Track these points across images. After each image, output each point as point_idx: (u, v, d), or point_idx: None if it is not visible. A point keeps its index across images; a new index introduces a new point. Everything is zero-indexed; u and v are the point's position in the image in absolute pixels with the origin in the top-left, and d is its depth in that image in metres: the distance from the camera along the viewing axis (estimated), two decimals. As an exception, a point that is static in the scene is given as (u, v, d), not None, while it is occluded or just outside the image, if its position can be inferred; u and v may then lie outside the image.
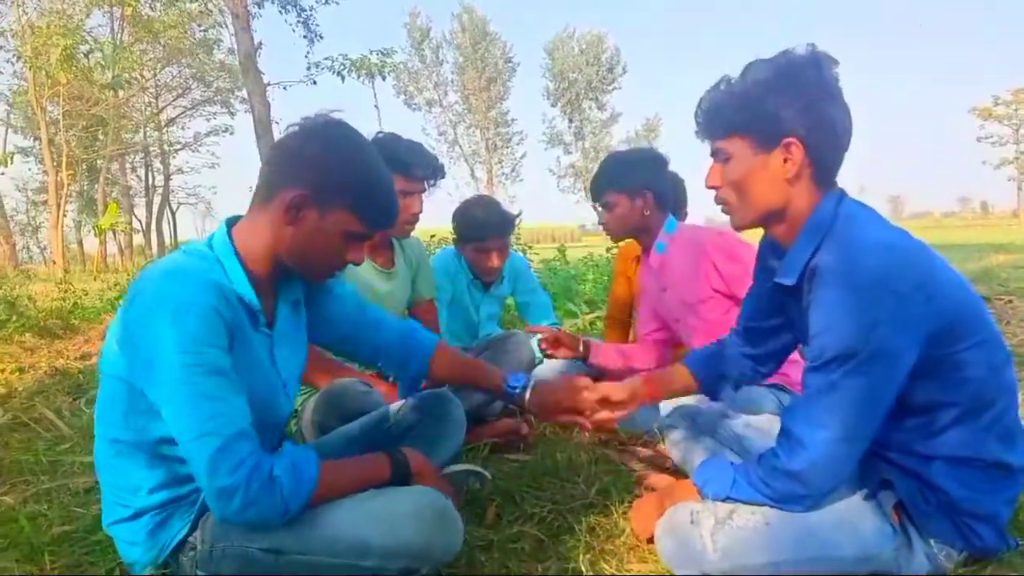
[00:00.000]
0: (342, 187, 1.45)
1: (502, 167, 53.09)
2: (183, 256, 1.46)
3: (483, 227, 2.90)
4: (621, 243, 3.48)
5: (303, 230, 1.46)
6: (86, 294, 8.27)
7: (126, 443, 1.47)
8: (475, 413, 2.63)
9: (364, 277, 2.52)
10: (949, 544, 1.52)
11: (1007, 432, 1.48)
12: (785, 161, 1.46)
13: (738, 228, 1.62)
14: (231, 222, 1.55)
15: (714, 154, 1.58)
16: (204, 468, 1.31)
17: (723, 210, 1.62)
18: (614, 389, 1.85)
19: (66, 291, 8.05)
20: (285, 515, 1.38)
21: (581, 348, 2.74)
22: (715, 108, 1.53)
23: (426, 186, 2.47)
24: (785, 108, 1.43)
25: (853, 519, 1.52)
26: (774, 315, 1.79)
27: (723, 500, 1.57)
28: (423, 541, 1.44)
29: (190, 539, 1.51)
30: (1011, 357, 1.51)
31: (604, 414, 1.83)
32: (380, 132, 2.51)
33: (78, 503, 2.23)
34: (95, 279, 11.25)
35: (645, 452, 2.46)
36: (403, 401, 2.03)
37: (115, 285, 8.74)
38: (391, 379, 2.52)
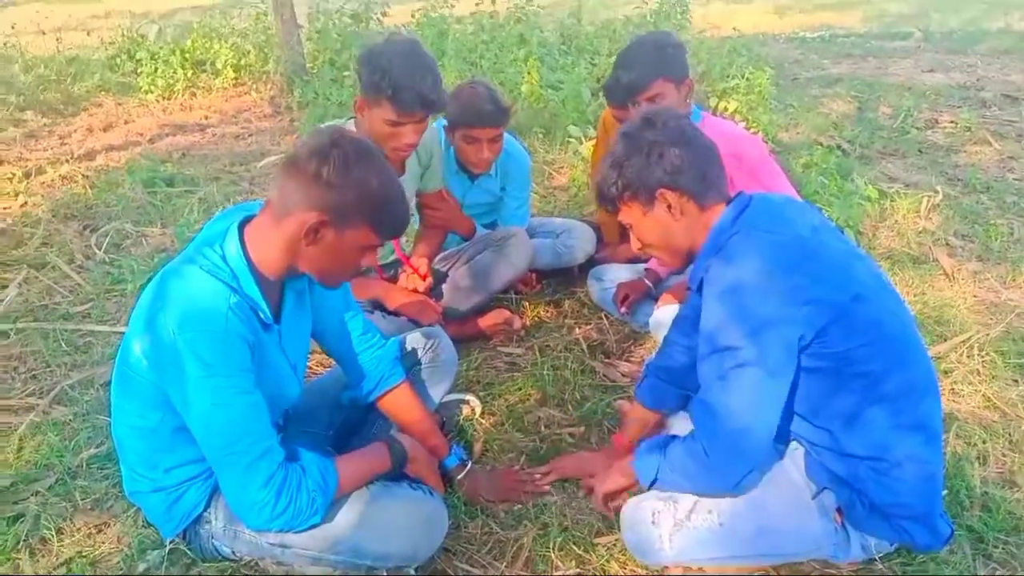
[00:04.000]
0: (360, 207, 1.50)
1: None
2: (200, 275, 1.48)
3: (474, 114, 2.62)
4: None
5: (322, 248, 1.52)
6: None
7: (144, 428, 1.61)
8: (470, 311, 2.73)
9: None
10: (884, 538, 1.68)
11: (920, 426, 1.56)
12: (669, 208, 1.62)
13: (677, 272, 1.84)
14: (242, 224, 1.57)
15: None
16: (234, 483, 1.50)
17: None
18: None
19: (59, 40, 7.42)
20: (313, 522, 1.57)
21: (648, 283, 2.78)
22: (600, 192, 1.71)
23: (421, 118, 2.20)
24: (642, 171, 1.61)
25: (801, 521, 1.67)
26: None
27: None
28: (411, 550, 1.69)
29: (205, 513, 1.70)
30: (923, 353, 1.60)
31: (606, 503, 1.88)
32: (394, 34, 2.25)
33: (100, 406, 2.36)
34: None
35: (628, 367, 2.58)
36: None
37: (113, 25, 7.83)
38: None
